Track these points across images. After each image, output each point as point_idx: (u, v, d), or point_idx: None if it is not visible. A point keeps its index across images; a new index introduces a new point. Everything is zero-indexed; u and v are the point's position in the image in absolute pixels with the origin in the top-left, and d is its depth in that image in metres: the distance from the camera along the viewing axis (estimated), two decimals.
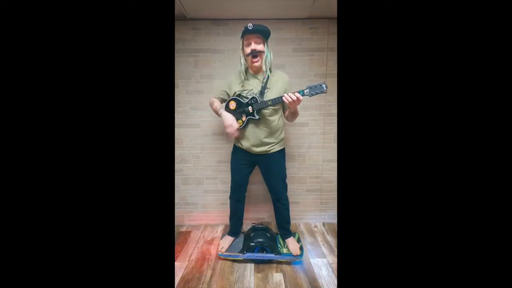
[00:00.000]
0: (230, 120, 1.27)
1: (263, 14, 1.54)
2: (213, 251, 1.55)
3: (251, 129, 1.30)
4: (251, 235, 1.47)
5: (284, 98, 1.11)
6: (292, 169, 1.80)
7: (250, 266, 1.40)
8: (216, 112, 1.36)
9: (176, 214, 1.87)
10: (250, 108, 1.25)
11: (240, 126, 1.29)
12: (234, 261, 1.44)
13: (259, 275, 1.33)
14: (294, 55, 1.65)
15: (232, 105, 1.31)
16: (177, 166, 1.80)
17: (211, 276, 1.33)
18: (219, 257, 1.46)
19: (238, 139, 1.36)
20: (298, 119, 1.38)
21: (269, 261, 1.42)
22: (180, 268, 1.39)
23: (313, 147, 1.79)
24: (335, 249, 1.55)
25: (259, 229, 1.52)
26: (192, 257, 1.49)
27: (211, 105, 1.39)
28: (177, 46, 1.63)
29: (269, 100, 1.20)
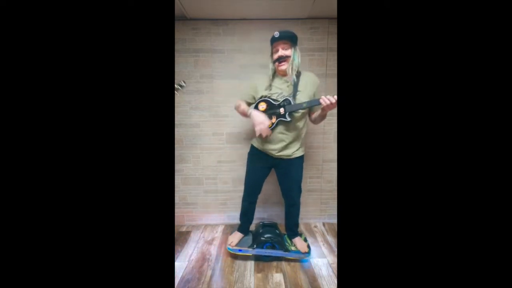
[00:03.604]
0: (261, 118, 1.22)
1: (263, 14, 1.54)
2: (213, 251, 1.55)
3: (277, 132, 1.26)
4: (260, 231, 1.48)
5: (321, 101, 1.10)
6: None
7: (250, 266, 1.40)
8: (244, 113, 1.33)
9: (176, 214, 1.87)
10: (282, 109, 1.22)
11: (269, 127, 1.25)
12: (236, 256, 1.44)
13: (259, 275, 1.33)
14: None
15: (262, 106, 1.28)
16: (177, 166, 1.80)
17: (211, 276, 1.33)
18: (228, 251, 1.46)
19: (260, 141, 1.33)
20: None
21: (277, 258, 1.43)
22: (180, 268, 1.39)
23: (313, 147, 1.79)
24: (335, 249, 1.55)
25: (268, 226, 1.53)
26: (192, 257, 1.49)
27: (237, 107, 1.36)
28: (177, 46, 1.63)
29: (304, 102, 1.18)
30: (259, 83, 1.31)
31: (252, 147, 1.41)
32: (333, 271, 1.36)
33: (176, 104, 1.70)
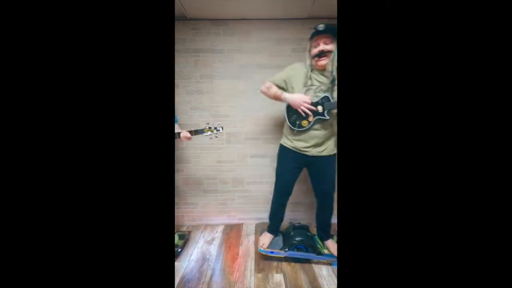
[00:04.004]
0: (301, 96, 1.16)
1: (263, 14, 1.54)
2: (213, 251, 1.55)
3: (313, 131, 1.21)
4: (291, 233, 1.47)
5: None
6: None
7: (250, 266, 1.40)
8: (277, 96, 1.25)
9: (176, 214, 1.87)
10: (320, 107, 1.16)
11: (305, 127, 1.21)
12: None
13: (259, 275, 1.33)
14: (294, 55, 1.65)
15: None
16: (177, 166, 1.80)
17: (211, 276, 1.33)
18: (260, 253, 1.45)
19: (291, 139, 1.28)
20: None
21: (308, 260, 1.42)
22: (180, 268, 1.40)
23: None
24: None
25: (299, 228, 1.52)
26: (192, 257, 1.50)
27: (267, 89, 1.28)
28: (177, 46, 1.63)
29: None
30: (297, 74, 1.23)
31: (282, 147, 1.35)
32: (333, 271, 1.36)
33: (176, 104, 1.70)
